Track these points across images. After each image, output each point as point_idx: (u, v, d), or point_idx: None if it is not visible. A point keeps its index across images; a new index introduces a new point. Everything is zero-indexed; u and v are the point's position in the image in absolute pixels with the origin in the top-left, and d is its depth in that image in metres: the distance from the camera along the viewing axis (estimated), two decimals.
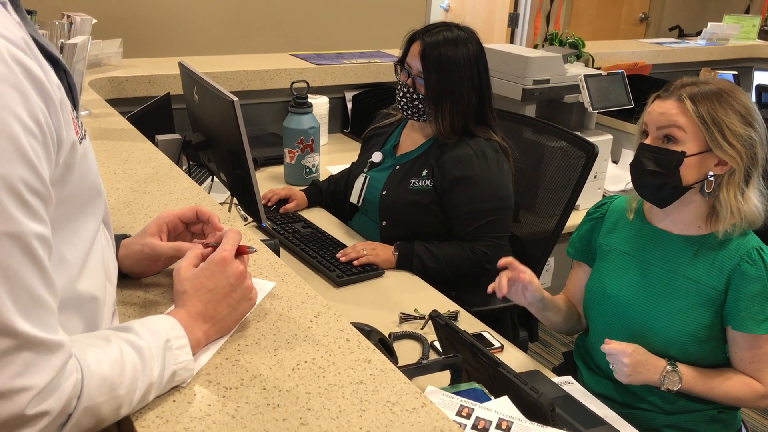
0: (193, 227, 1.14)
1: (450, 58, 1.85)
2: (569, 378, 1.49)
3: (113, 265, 0.96)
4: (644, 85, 2.49)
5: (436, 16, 5.60)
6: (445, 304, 1.73)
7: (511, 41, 5.53)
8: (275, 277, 1.15)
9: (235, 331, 0.98)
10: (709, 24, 4.33)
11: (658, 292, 1.41)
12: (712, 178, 1.33)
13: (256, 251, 1.05)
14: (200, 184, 2.17)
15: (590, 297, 1.53)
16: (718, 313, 1.37)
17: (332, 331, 1.00)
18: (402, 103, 1.96)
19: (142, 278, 1.12)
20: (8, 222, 0.65)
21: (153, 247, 1.07)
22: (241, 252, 0.99)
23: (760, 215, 1.35)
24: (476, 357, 1.22)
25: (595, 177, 2.95)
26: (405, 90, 1.93)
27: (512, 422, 1.07)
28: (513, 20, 5.42)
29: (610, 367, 1.36)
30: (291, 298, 1.09)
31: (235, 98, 1.55)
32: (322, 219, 2.15)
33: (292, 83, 2.44)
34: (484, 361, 1.19)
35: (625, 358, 1.33)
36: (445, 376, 1.27)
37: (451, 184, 1.87)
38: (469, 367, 1.27)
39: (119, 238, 1.12)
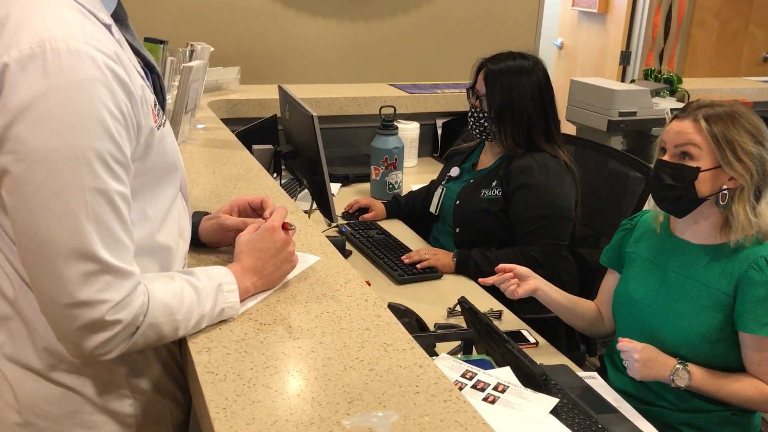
0: (260, 212, 1.40)
1: (510, 80, 2.07)
2: (594, 374, 1.62)
3: (187, 227, 1.23)
4: None
5: (549, 52, 5.74)
6: (494, 305, 1.90)
7: (622, 79, 5.55)
8: (321, 254, 1.38)
9: (278, 289, 1.23)
10: None
11: (673, 296, 1.53)
12: (726, 192, 1.45)
13: (295, 229, 1.29)
14: (292, 193, 2.47)
15: (616, 301, 1.66)
16: (728, 316, 1.46)
17: (355, 294, 1.23)
18: (471, 122, 2.19)
19: (217, 248, 1.40)
20: (98, 181, 0.91)
21: (224, 220, 1.34)
22: (283, 227, 1.24)
23: None
24: (491, 335, 1.39)
25: None
26: (474, 110, 2.16)
27: (508, 386, 1.24)
28: (624, 58, 5.45)
29: (624, 363, 1.49)
30: (329, 268, 1.32)
31: (314, 113, 1.83)
32: (397, 229, 2.38)
33: (381, 108, 2.71)
34: (496, 338, 1.37)
35: (636, 354, 1.46)
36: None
37: (513, 191, 2.07)
38: (487, 347, 1.45)
39: (201, 215, 1.40)
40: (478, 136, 2.20)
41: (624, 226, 1.72)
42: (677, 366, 1.46)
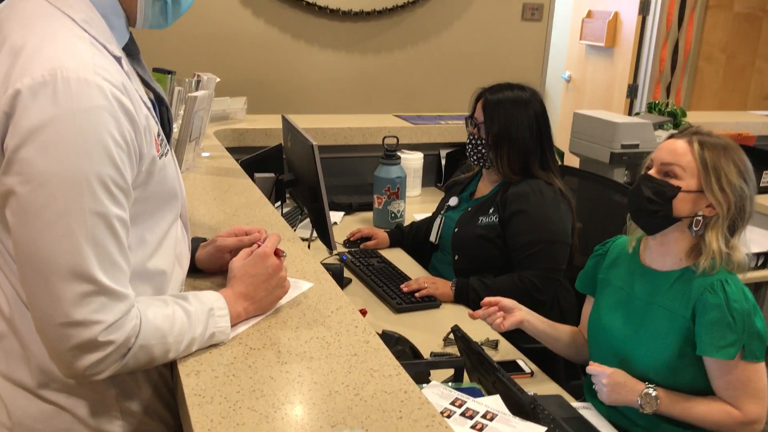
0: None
1: (507, 110, 2.13)
2: (588, 404, 1.63)
3: (185, 254, 1.25)
4: (747, 155, 2.55)
5: (557, 85, 5.79)
6: (490, 335, 1.90)
7: (629, 112, 5.57)
8: (315, 281, 1.40)
9: (271, 314, 1.25)
10: None
11: (637, 321, 1.56)
12: (700, 217, 1.47)
13: (286, 255, 1.31)
14: (294, 222, 2.50)
15: (590, 326, 1.70)
16: (689, 340, 1.48)
17: (345, 320, 1.24)
18: (469, 150, 2.24)
19: (215, 274, 1.42)
20: (98, 204, 0.95)
21: (222, 242, 1.37)
22: (276, 252, 1.26)
23: (747, 263, 1.48)
24: (482, 364, 1.40)
25: None
26: (472, 138, 2.21)
27: (497, 414, 1.25)
28: (632, 91, 5.48)
29: (593, 387, 1.50)
30: (322, 295, 1.34)
31: (314, 142, 1.86)
32: (399, 257, 2.40)
33: (384, 138, 2.75)
34: (487, 366, 1.38)
35: (604, 379, 1.48)
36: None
37: (509, 217, 2.11)
38: (480, 375, 1.46)
39: (199, 241, 1.43)
40: (475, 163, 2.25)
41: (597, 251, 1.75)
42: (645, 391, 1.48)
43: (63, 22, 0.99)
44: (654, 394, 1.47)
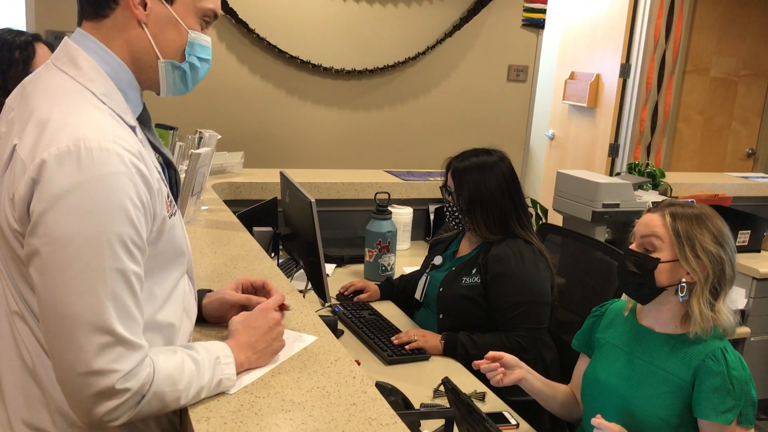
0: (260, 292, 1.51)
1: (475, 176, 2.24)
2: None
3: (193, 307, 1.33)
4: (723, 215, 2.64)
5: (540, 143, 5.97)
6: (478, 387, 1.98)
7: (611, 171, 5.73)
8: (314, 333, 1.48)
9: (273, 365, 1.32)
10: None
11: (637, 380, 1.63)
12: (684, 284, 1.57)
13: (290, 309, 1.39)
14: (289, 273, 2.58)
15: (585, 383, 1.77)
16: (686, 402, 1.56)
17: (344, 371, 1.32)
18: (447, 216, 2.36)
19: (220, 324, 1.49)
20: (117, 261, 1.03)
21: (229, 297, 1.45)
22: (281, 307, 1.35)
23: (733, 327, 1.56)
24: (471, 414, 1.48)
25: None
26: (448, 205, 2.34)
27: None
28: (613, 150, 5.66)
29: None
30: (322, 347, 1.42)
31: (312, 199, 1.96)
32: (389, 310, 2.48)
33: (376, 194, 2.85)
34: (476, 417, 1.45)
35: None
36: None
37: (492, 279, 2.18)
38: (468, 426, 1.53)
39: (205, 292, 1.51)
40: (455, 227, 2.37)
41: (594, 312, 1.83)
42: None
43: (85, 96, 1.09)
44: None
